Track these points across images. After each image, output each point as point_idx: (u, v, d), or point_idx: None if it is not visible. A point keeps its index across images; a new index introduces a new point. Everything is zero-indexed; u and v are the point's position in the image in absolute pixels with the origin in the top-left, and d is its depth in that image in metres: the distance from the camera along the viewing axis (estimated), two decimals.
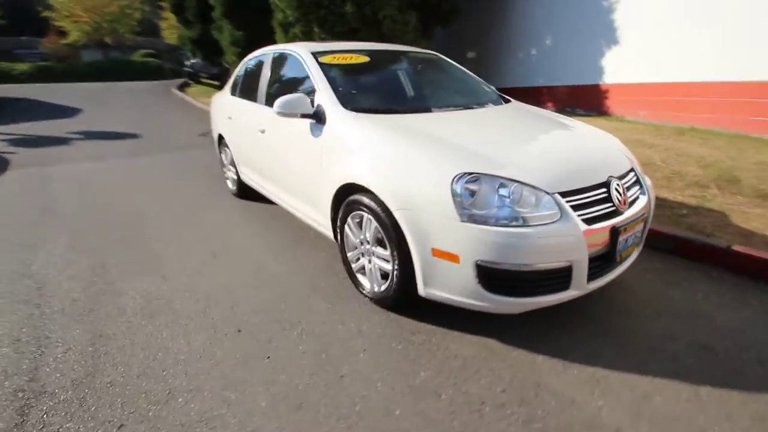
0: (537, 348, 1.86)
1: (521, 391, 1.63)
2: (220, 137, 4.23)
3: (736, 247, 2.48)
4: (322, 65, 2.64)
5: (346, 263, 2.40)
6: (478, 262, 1.70)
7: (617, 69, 6.43)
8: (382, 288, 2.13)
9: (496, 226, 1.67)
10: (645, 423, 1.48)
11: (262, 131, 3.06)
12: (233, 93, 3.91)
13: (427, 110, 2.51)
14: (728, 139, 5.31)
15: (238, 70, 3.92)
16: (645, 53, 5.92)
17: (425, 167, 1.85)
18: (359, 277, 2.33)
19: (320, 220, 2.59)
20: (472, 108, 2.66)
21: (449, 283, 1.81)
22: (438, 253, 1.79)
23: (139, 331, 2.06)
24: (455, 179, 1.74)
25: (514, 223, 1.68)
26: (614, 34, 6.38)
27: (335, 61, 2.71)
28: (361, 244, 2.24)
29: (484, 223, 1.68)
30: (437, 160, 1.85)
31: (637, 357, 1.80)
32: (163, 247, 3.05)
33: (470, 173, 1.75)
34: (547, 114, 2.76)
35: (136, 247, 3.06)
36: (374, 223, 2.05)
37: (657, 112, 5.87)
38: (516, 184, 1.74)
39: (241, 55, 10.94)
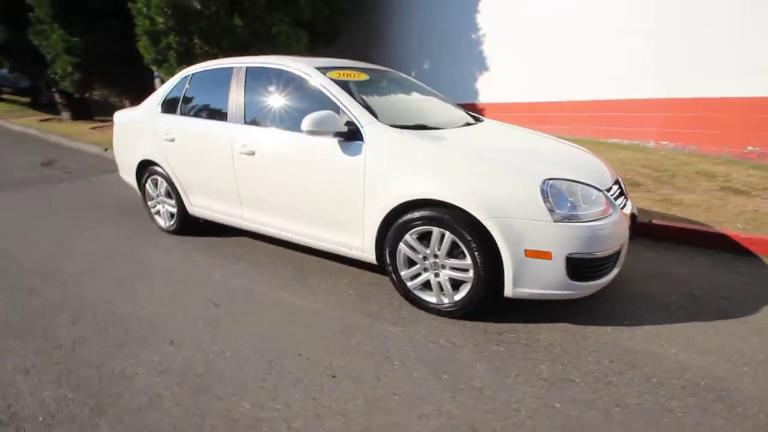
0: (600, 322, 2.20)
1: (623, 358, 1.92)
2: (146, 164, 3.50)
3: (656, 221, 3.35)
4: (338, 82, 2.52)
5: (401, 283, 2.34)
6: (569, 256, 1.94)
7: (489, 90, 7.68)
8: (457, 298, 2.18)
9: (580, 222, 1.94)
10: (706, 355, 1.92)
11: (250, 153, 2.70)
12: (170, 111, 3.31)
13: (440, 128, 2.63)
14: (587, 144, 6.92)
15: (175, 86, 3.32)
16: (510, 78, 7.24)
17: (511, 177, 2.01)
18: (418, 294, 2.31)
19: (354, 243, 2.46)
20: (472, 125, 2.90)
21: (540, 279, 1.99)
22: (531, 254, 1.96)
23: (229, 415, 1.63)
24: (544, 184, 1.95)
25: (590, 219, 1.97)
26: (485, 61, 7.61)
27: (345, 78, 2.61)
28: (425, 259, 2.23)
29: (571, 220, 1.94)
30: (521, 169, 2.03)
31: (662, 311, 2.30)
32: (137, 308, 2.40)
33: (552, 178, 1.98)
34: (526, 130, 3.16)
35: (101, 315, 2.33)
36: (449, 236, 2.09)
37: (524, 126, 7.22)
38: (581, 185, 2.04)
39: (80, 66, 8.99)
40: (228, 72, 2.99)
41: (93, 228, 3.80)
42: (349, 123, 2.34)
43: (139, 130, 3.53)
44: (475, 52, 7.58)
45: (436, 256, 2.19)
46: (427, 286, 2.30)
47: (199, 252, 3.21)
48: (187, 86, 3.25)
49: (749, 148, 4.87)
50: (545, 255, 1.94)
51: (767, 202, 3.71)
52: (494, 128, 2.95)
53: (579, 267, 1.98)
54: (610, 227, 2.00)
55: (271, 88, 2.74)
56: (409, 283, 2.32)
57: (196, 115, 3.14)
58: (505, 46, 7.14)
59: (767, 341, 2.03)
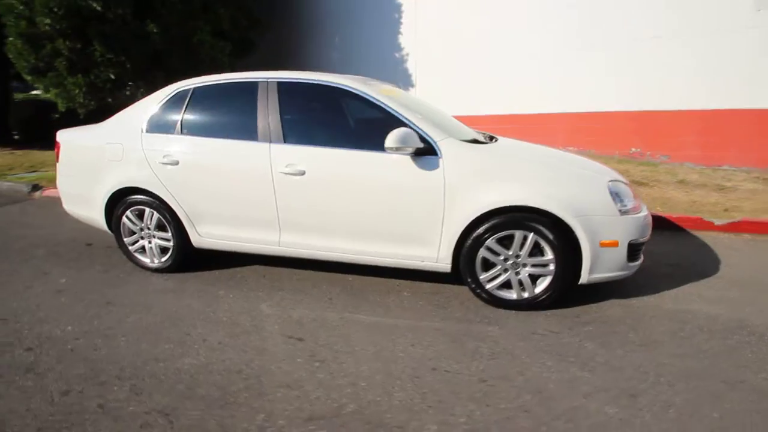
0: (633, 294, 2.68)
1: (674, 318, 2.40)
2: (124, 194, 2.93)
3: None
4: (395, 99, 2.54)
5: (479, 286, 2.49)
6: (630, 242, 2.36)
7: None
8: (537, 291, 2.43)
9: (632, 214, 2.39)
10: (718, 305, 2.53)
11: (299, 173, 2.53)
12: (163, 131, 2.86)
13: (485, 142, 2.84)
14: None
15: (165, 102, 2.88)
16: (434, 95, 7.92)
17: (584, 181, 2.35)
18: (500, 293, 2.49)
19: (428, 255, 2.52)
20: (495, 139, 3.19)
21: (608, 264, 2.37)
22: (604, 244, 2.32)
23: None
24: (609, 185, 2.34)
25: (636, 212, 2.43)
26: (410, 78, 8.15)
27: (390, 95, 2.64)
28: (505, 261, 2.43)
29: (627, 213, 2.36)
30: (590, 174, 2.39)
31: (665, 279, 2.89)
32: (216, 361, 2.07)
33: (611, 180, 2.39)
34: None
35: (178, 379, 1.91)
36: (532, 236, 2.34)
37: None
38: (623, 184, 2.50)
39: None
40: (249, 87, 2.74)
41: (43, 275, 3.02)
42: (422, 139, 2.42)
43: (113, 154, 2.94)
44: (399, 69, 8.07)
45: (517, 256, 2.41)
46: (503, 285, 2.50)
47: (219, 288, 2.83)
48: (188, 103, 2.85)
49: (633, 149, 6.30)
50: (614, 243, 2.34)
51: (667, 190, 4.90)
52: (514, 142, 3.27)
53: (633, 251, 2.42)
54: (647, 217, 2.50)
55: (318, 105, 2.63)
56: (488, 285, 2.49)
57: (208, 134, 2.78)
58: (428, 64, 7.77)
59: (746, 289, 2.76)
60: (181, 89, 2.89)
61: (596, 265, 2.36)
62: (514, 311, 2.49)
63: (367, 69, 8.77)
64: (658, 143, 6.03)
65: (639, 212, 2.43)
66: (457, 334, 2.27)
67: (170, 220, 2.90)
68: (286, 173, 2.57)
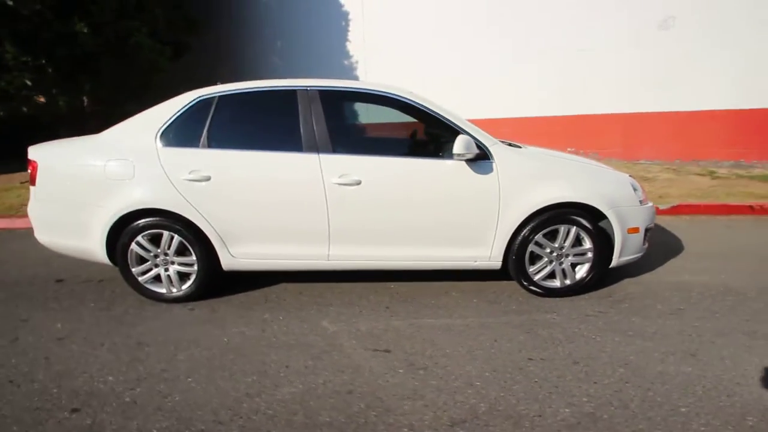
0: (643, 272, 3.10)
1: (687, 289, 2.83)
2: (133, 218, 2.57)
3: None
4: (436, 105, 2.63)
5: (528, 278, 2.69)
6: (646, 228, 2.77)
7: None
8: (579, 277, 2.71)
9: (646, 204, 2.80)
10: (712, 275, 3.07)
11: (354, 183, 2.48)
12: (184, 144, 2.57)
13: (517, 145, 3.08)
14: None
15: (183, 112, 2.59)
16: None
17: (611, 178, 2.70)
18: (546, 283, 2.72)
19: (480, 255, 2.66)
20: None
21: (632, 248, 2.75)
22: (630, 230, 2.69)
23: None
24: (630, 180, 2.71)
25: (647, 202, 2.86)
26: None
27: (430, 101, 2.72)
28: (551, 253, 2.67)
29: (643, 203, 2.77)
30: (614, 172, 2.73)
31: (662, 257, 3.40)
32: (338, 393, 1.96)
33: (630, 176, 2.77)
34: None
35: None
36: (574, 229, 2.61)
37: None
38: (633, 179, 2.92)
39: None
40: (286, 95, 2.61)
41: (23, 323, 2.52)
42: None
43: (119, 172, 2.55)
44: (349, 77, 8.09)
45: (561, 248, 2.67)
46: (548, 275, 2.74)
47: (260, 312, 2.63)
48: (213, 113, 2.60)
49: (569, 149, 7.17)
50: (637, 230, 2.72)
51: None
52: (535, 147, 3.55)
53: (646, 235, 2.84)
54: (653, 206, 2.95)
55: (353, 113, 2.60)
56: (535, 277, 2.71)
57: (242, 146, 2.57)
58: (379, 71, 7.93)
59: (713, 260, 3.37)
60: (203, 98, 2.62)
61: (624, 250, 2.72)
62: (558, 298, 2.74)
63: (314, 76, 8.63)
64: (590, 143, 6.97)
65: (648, 202, 2.86)
66: (526, 325, 2.44)
67: (195, 242, 2.62)
68: (340, 183, 2.51)
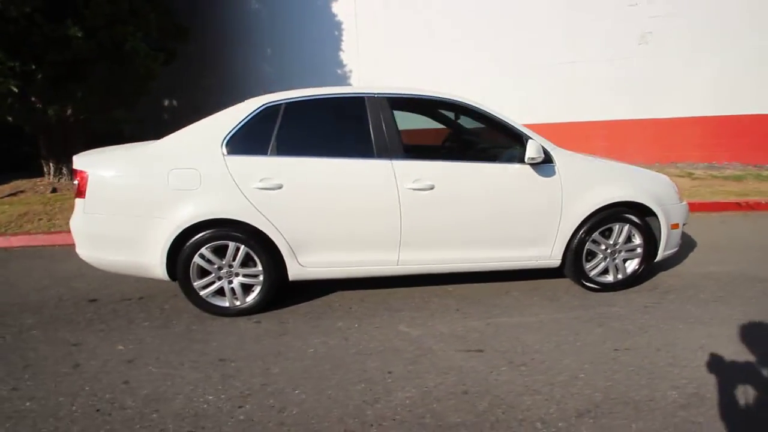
0: (672, 265, 3.34)
1: (716, 278, 3.09)
2: (198, 229, 2.46)
3: None
4: (498, 112, 2.74)
5: (584, 275, 2.84)
6: (683, 224, 3.01)
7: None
8: (630, 271, 2.89)
9: (683, 202, 3.04)
10: (716, 265, 3.37)
11: (427, 188, 2.52)
12: (251, 151, 2.51)
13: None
14: None
15: (249, 120, 2.52)
16: None
17: (658, 179, 2.91)
18: (600, 278, 2.87)
19: (542, 254, 2.78)
20: None
21: (672, 243, 2.97)
22: (672, 226, 2.91)
23: None
24: (669, 179, 2.94)
25: (682, 200, 3.09)
26: None
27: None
28: (606, 250, 2.83)
29: (681, 201, 3.01)
30: (654, 173, 2.95)
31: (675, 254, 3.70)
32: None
33: (668, 177, 3.00)
34: None
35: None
36: (627, 227, 2.79)
37: None
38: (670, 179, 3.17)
39: None
40: (354, 102, 2.61)
41: (75, 347, 2.34)
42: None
43: (184, 181, 2.43)
44: (343, 85, 8.11)
45: (615, 244, 2.84)
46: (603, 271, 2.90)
47: (331, 321, 2.59)
48: (280, 120, 2.55)
49: None
50: (677, 226, 2.94)
51: None
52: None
53: (681, 230, 3.09)
54: (687, 204, 3.20)
55: (435, 121, 2.65)
56: (591, 273, 2.86)
57: (312, 153, 2.54)
58: (373, 81, 8.00)
59: (727, 252, 3.69)
60: (270, 104, 2.57)
61: (666, 245, 2.94)
62: (612, 292, 2.91)
63: (307, 85, 8.52)
64: (576, 148, 7.38)
65: (684, 201, 3.11)
66: (596, 319, 2.57)
67: (261, 252, 2.54)
68: (414, 189, 2.54)
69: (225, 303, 2.62)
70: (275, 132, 2.55)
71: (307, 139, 2.63)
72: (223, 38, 8.29)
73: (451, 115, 2.97)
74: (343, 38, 7.93)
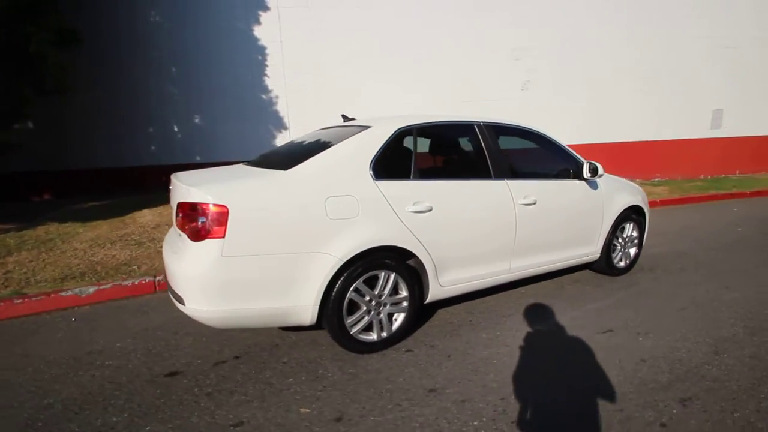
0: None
1: (676, 256, 4.35)
2: (354, 260, 2.29)
3: None
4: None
5: (613, 266, 3.64)
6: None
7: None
8: (633, 255, 3.83)
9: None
10: (681, 245, 4.72)
11: (532, 203, 2.91)
12: (394, 176, 2.46)
13: None
14: None
15: (389, 144, 2.46)
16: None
17: (637, 188, 3.95)
18: (619, 264, 3.72)
19: (590, 251, 3.48)
20: None
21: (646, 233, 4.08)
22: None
23: None
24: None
25: None
26: (281, 120, 7.80)
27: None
28: (622, 242, 3.70)
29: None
30: (635, 184, 3.99)
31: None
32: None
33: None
34: None
35: None
36: (632, 224, 3.73)
37: None
38: None
39: None
40: (466, 129, 2.85)
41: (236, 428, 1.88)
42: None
43: (342, 210, 2.22)
44: (269, 111, 7.73)
45: (626, 237, 3.74)
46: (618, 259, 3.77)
47: (494, 331, 2.68)
48: (414, 144, 2.56)
49: None
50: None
51: None
52: None
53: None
54: None
55: (524, 145, 3.07)
56: (614, 261, 3.69)
57: (443, 176, 2.64)
58: (301, 105, 7.80)
59: (676, 236, 5.12)
60: (404, 128, 2.56)
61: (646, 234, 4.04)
62: (623, 275, 3.80)
63: (230, 110, 7.70)
64: None
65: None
66: (642, 294, 3.36)
67: (407, 277, 2.49)
68: (525, 204, 2.89)
69: (372, 337, 2.44)
70: (413, 156, 2.58)
71: (440, 162, 2.72)
72: (118, 50, 6.91)
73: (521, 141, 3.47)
74: (267, 63, 7.60)
